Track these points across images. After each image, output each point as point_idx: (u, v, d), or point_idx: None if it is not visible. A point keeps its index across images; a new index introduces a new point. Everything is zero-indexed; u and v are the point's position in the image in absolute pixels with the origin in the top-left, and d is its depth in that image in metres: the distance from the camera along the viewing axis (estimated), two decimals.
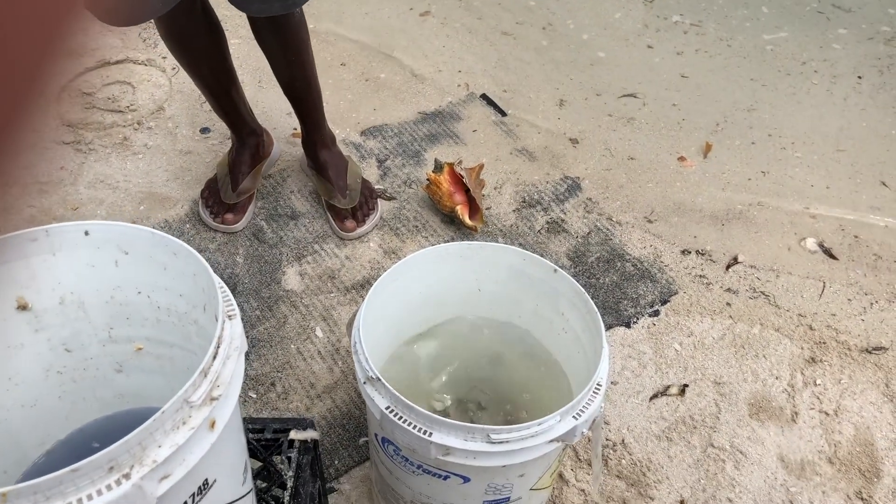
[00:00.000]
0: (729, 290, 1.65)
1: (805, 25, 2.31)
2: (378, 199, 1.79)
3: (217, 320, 0.72)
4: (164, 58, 2.14)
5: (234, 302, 0.75)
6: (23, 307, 0.81)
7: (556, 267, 1.18)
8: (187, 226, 1.73)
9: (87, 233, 0.79)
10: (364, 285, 1.64)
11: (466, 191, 1.75)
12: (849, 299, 1.63)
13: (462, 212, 1.73)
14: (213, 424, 0.68)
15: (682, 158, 1.93)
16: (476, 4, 2.38)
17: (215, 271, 1.65)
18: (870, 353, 1.53)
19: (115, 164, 1.86)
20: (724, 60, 2.19)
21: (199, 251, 1.69)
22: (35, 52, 0.28)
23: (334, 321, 1.57)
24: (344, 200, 1.72)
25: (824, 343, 1.55)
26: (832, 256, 1.70)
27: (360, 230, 1.72)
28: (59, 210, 1.75)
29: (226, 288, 0.76)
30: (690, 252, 1.72)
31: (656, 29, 2.29)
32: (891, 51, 2.21)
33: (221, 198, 1.72)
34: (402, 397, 0.95)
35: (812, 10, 2.36)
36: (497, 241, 1.75)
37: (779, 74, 2.15)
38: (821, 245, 1.73)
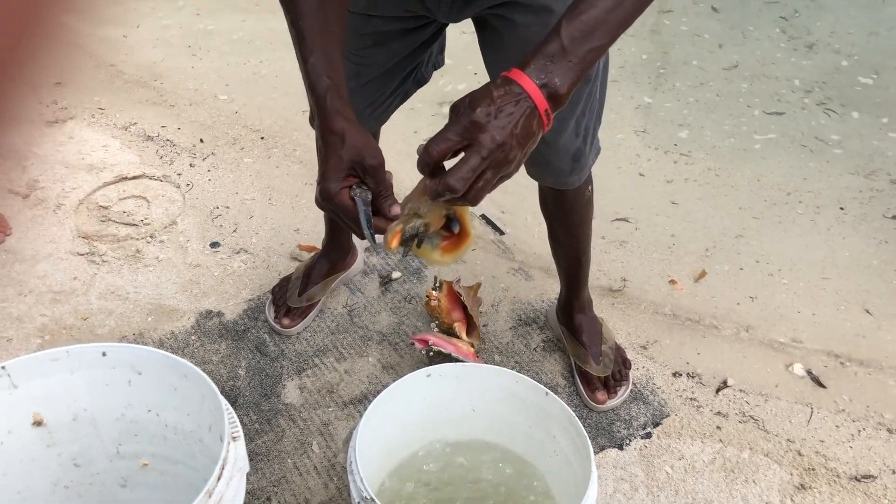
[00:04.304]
0: (719, 413, 1.68)
1: (790, 157, 2.43)
2: (630, 371, 1.72)
3: (222, 441, 0.76)
4: (179, 174, 2.25)
5: (238, 424, 0.80)
6: (38, 423, 0.86)
7: (548, 390, 1.22)
8: (193, 338, 1.79)
9: (104, 353, 0.85)
10: (362, 400, 1.67)
11: (464, 308, 1.81)
12: (837, 426, 1.66)
13: (459, 329, 1.78)
14: None
15: (672, 282, 2.00)
16: None
17: (217, 384, 1.70)
18: (859, 480, 1.55)
19: (126, 276, 1.93)
20: (714, 189, 2.30)
21: (203, 363, 1.74)
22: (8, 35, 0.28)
23: (331, 436, 1.60)
24: (597, 367, 1.67)
25: (813, 469, 1.57)
26: (820, 384, 1.75)
27: (610, 403, 1.66)
28: (70, 319, 1.81)
29: (232, 410, 0.81)
30: (681, 375, 1.76)
31: (647, 158, 2.41)
32: (871, 183, 2.32)
33: (286, 299, 1.79)
34: None
35: (796, 144, 2.48)
36: (493, 358, 1.80)
37: (765, 204, 2.25)
38: (808, 372, 1.78)
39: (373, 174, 0.94)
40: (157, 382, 0.85)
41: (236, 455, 0.75)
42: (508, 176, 0.91)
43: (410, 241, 0.99)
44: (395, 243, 0.98)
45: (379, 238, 0.96)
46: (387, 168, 0.96)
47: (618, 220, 2.17)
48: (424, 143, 0.89)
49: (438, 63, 1.52)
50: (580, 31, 0.88)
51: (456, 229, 1.02)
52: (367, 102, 1.45)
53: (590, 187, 1.56)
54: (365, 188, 0.95)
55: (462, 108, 0.88)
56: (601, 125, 1.43)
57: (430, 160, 0.89)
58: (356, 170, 0.94)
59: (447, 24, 1.35)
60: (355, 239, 1.93)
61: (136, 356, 0.85)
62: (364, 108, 1.44)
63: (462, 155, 0.88)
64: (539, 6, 1.20)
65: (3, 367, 0.80)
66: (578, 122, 1.35)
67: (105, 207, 2.13)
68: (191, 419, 0.86)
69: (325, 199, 0.94)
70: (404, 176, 2.17)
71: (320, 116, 0.95)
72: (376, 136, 1.67)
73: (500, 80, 0.89)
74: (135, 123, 2.44)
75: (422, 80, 1.50)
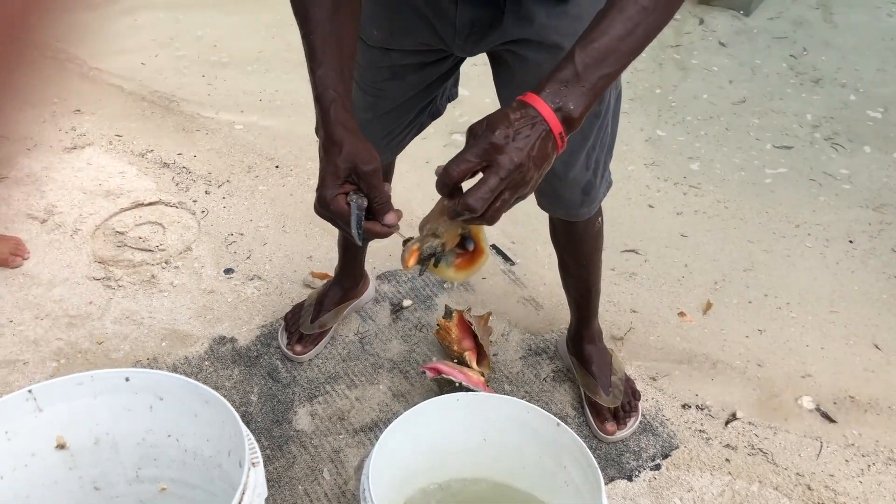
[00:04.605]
0: (728, 445, 1.68)
1: (798, 191, 2.45)
2: (639, 402, 1.74)
3: (242, 467, 0.78)
4: (195, 201, 2.28)
5: (258, 450, 0.81)
6: (61, 446, 0.87)
7: (559, 421, 1.24)
8: (206, 363, 1.81)
9: (127, 379, 0.87)
10: (373, 428, 1.69)
11: (475, 337, 1.82)
12: (846, 460, 1.66)
13: (470, 358, 1.79)
14: None
15: (682, 314, 2.01)
16: None
17: None
18: None
19: (141, 301, 1.96)
20: (722, 222, 2.31)
21: (216, 389, 1.75)
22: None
23: (342, 463, 1.61)
24: (607, 398, 1.68)
25: None
26: (829, 418, 1.75)
27: (619, 434, 1.67)
28: (85, 343, 1.83)
29: (251, 437, 0.82)
30: (690, 406, 1.77)
31: (657, 190, 2.43)
32: (880, 217, 2.34)
33: (299, 326, 1.82)
34: None
35: (805, 178, 2.51)
36: (503, 388, 1.81)
37: (774, 237, 2.26)
38: (818, 406, 1.78)
39: (366, 180, 0.96)
40: (178, 408, 0.87)
41: (256, 481, 0.77)
42: (524, 197, 0.93)
43: (427, 261, 1.02)
44: (412, 262, 1.01)
45: (390, 247, 0.99)
46: (396, 193, 0.99)
47: (627, 251, 2.19)
48: (443, 165, 0.92)
49: (453, 96, 1.55)
50: (593, 58, 0.91)
51: (470, 247, 1.06)
52: (384, 133, 1.49)
53: (600, 219, 1.58)
54: (362, 195, 0.97)
55: (480, 131, 0.90)
56: (612, 158, 1.46)
57: (449, 181, 0.90)
58: (353, 177, 0.97)
59: (464, 59, 1.39)
60: (368, 267, 1.96)
61: (157, 382, 0.87)
62: (380, 138, 1.47)
63: (480, 176, 0.91)
64: (550, 44, 1.23)
65: (29, 391, 0.82)
66: (589, 155, 1.38)
67: (121, 233, 2.16)
68: (210, 445, 0.88)
69: (321, 205, 0.97)
70: (415, 205, 2.20)
71: (323, 127, 0.99)
72: (391, 165, 1.69)
73: (516, 104, 0.91)
74: (151, 150, 2.48)
75: (436, 113, 1.54)
